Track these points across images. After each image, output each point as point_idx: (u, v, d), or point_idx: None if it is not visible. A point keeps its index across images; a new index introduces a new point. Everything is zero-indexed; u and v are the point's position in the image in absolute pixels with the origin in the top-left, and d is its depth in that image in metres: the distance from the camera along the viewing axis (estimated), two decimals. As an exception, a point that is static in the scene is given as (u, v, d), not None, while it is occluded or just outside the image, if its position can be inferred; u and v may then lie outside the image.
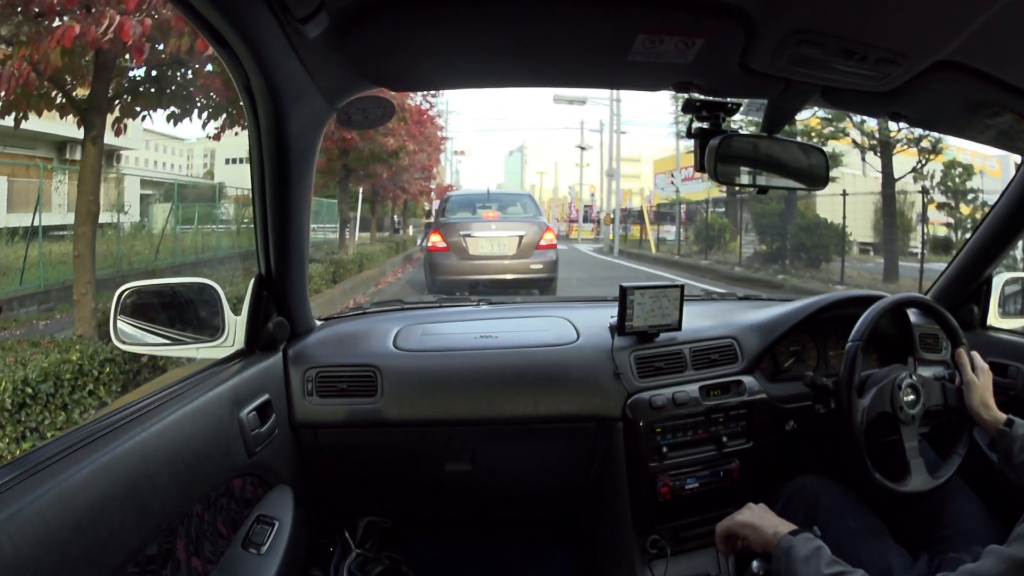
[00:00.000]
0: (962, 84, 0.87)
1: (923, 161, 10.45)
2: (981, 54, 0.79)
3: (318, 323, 1.38)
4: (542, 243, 6.37)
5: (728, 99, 1.00)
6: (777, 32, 0.76)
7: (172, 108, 4.06)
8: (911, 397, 1.15)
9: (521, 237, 6.32)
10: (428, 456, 1.32)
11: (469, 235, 6.33)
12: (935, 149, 10.21)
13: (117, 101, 3.86)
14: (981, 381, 1.14)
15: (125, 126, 4.08)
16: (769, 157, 1.03)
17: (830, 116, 10.45)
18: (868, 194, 10.88)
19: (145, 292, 1.16)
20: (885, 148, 10.01)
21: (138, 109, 3.98)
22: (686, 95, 0.99)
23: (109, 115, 3.94)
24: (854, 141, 10.72)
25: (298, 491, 1.13)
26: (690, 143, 1.03)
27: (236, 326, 1.13)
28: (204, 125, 4.27)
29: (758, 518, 0.99)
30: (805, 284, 9.37)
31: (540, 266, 6.31)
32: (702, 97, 1.00)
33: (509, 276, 6.23)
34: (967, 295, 1.46)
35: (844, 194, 9.99)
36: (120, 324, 1.11)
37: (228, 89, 4.02)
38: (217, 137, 4.50)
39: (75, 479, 0.64)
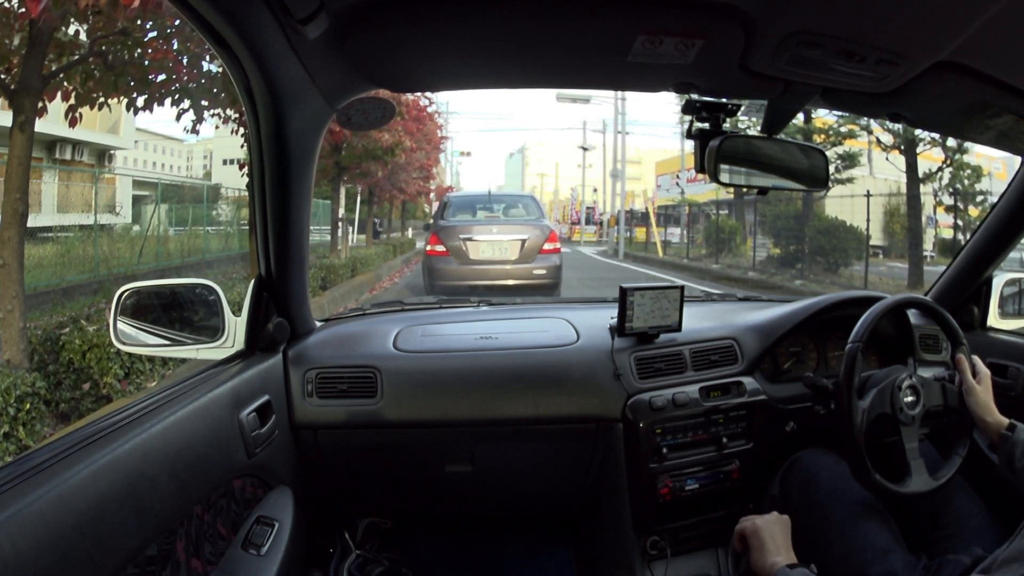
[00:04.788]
0: (962, 85, 0.87)
1: (949, 160, 10.10)
2: (981, 55, 0.79)
3: (318, 324, 1.38)
4: (546, 247, 6.08)
5: (728, 100, 1.01)
6: (777, 33, 0.76)
7: (135, 95, 3.68)
8: (911, 398, 1.15)
9: (524, 241, 6.04)
10: (428, 457, 1.32)
11: (469, 239, 6.05)
12: (960, 148, 9.81)
13: (53, 80, 3.41)
14: (982, 386, 1.13)
15: (80, 115, 3.67)
16: (769, 158, 1.04)
17: (847, 114, 10.28)
18: (895, 195, 10.51)
19: (145, 293, 1.16)
20: (910, 146, 9.59)
21: (94, 96, 3.61)
22: (686, 96, 0.99)
23: (64, 102, 3.59)
24: (878, 140, 10.35)
25: (298, 492, 1.13)
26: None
27: (236, 327, 1.13)
28: (178, 117, 3.93)
29: (768, 538, 0.98)
30: (825, 291, 9.12)
31: (544, 271, 6.05)
32: (702, 98, 1.00)
33: (511, 282, 5.99)
34: (967, 296, 1.46)
35: (868, 195, 9.61)
36: (120, 325, 1.11)
37: (192, 70, 3.77)
38: (195, 131, 4.21)
39: (75, 480, 0.64)
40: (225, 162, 29.22)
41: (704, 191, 19.13)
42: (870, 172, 12.95)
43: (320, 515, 1.32)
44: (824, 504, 1.12)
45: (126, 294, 1.12)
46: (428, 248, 6.21)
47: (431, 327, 1.42)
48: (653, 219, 18.93)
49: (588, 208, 29.49)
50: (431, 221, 7.82)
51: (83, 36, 3.66)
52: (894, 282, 9.71)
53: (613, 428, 1.27)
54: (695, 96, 0.99)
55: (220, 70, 3.77)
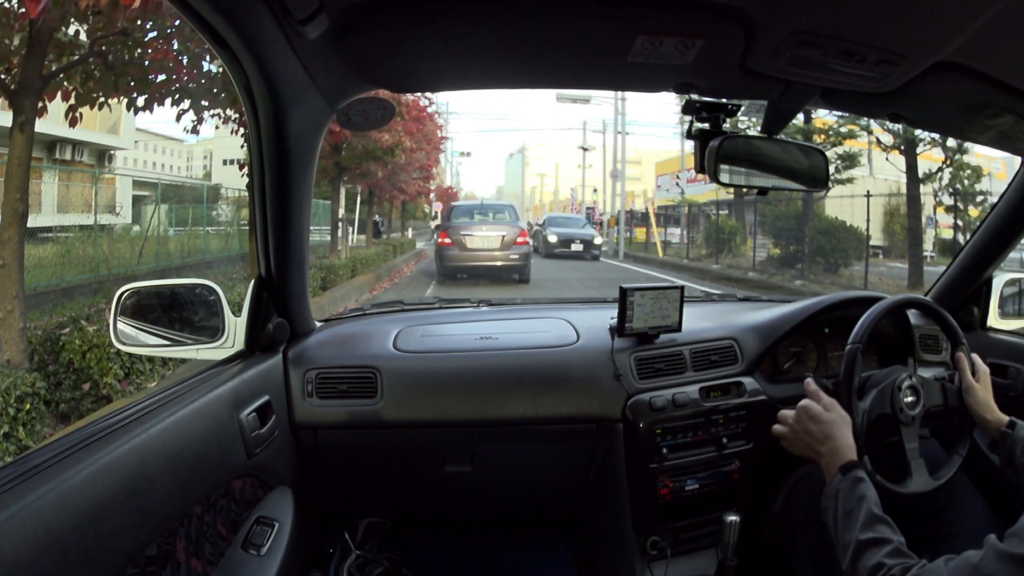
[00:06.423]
0: (962, 85, 0.87)
1: (949, 160, 10.10)
2: (981, 55, 0.79)
3: (318, 324, 1.38)
4: (518, 241, 9.35)
5: (728, 100, 1.01)
6: (777, 33, 0.76)
7: (135, 95, 3.71)
8: (911, 398, 1.14)
9: (503, 236, 9.27)
10: (428, 458, 1.32)
11: (467, 234, 9.25)
12: (960, 148, 9.80)
13: (53, 80, 3.45)
14: (981, 384, 1.14)
15: (81, 115, 3.72)
16: (769, 158, 1.04)
17: (847, 114, 10.32)
18: (895, 195, 10.48)
19: (145, 293, 1.16)
20: (910, 146, 9.58)
21: (94, 96, 3.64)
22: (686, 96, 0.99)
23: (64, 102, 3.61)
24: (878, 140, 10.34)
25: (298, 492, 1.13)
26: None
27: (236, 327, 1.13)
28: (178, 117, 3.97)
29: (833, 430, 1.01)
30: (825, 291, 9.02)
31: (517, 256, 9.28)
32: (702, 98, 1.00)
33: (498, 263, 9.19)
34: (967, 296, 1.46)
35: (868, 195, 9.65)
36: (120, 325, 1.11)
37: (192, 70, 3.81)
38: (195, 131, 4.27)
39: (75, 480, 0.64)
40: (225, 162, 29.17)
41: (704, 191, 19.12)
42: (870, 172, 12.93)
43: (320, 515, 1.32)
44: None
45: (126, 294, 1.12)
46: (439, 240, 9.70)
47: (431, 327, 1.42)
48: (653, 219, 18.91)
49: (588, 208, 29.50)
50: (440, 222, 12.19)
51: (83, 36, 3.66)
52: (894, 282, 9.70)
53: (613, 428, 1.27)
54: (695, 96, 0.99)
55: (220, 70, 3.78)
